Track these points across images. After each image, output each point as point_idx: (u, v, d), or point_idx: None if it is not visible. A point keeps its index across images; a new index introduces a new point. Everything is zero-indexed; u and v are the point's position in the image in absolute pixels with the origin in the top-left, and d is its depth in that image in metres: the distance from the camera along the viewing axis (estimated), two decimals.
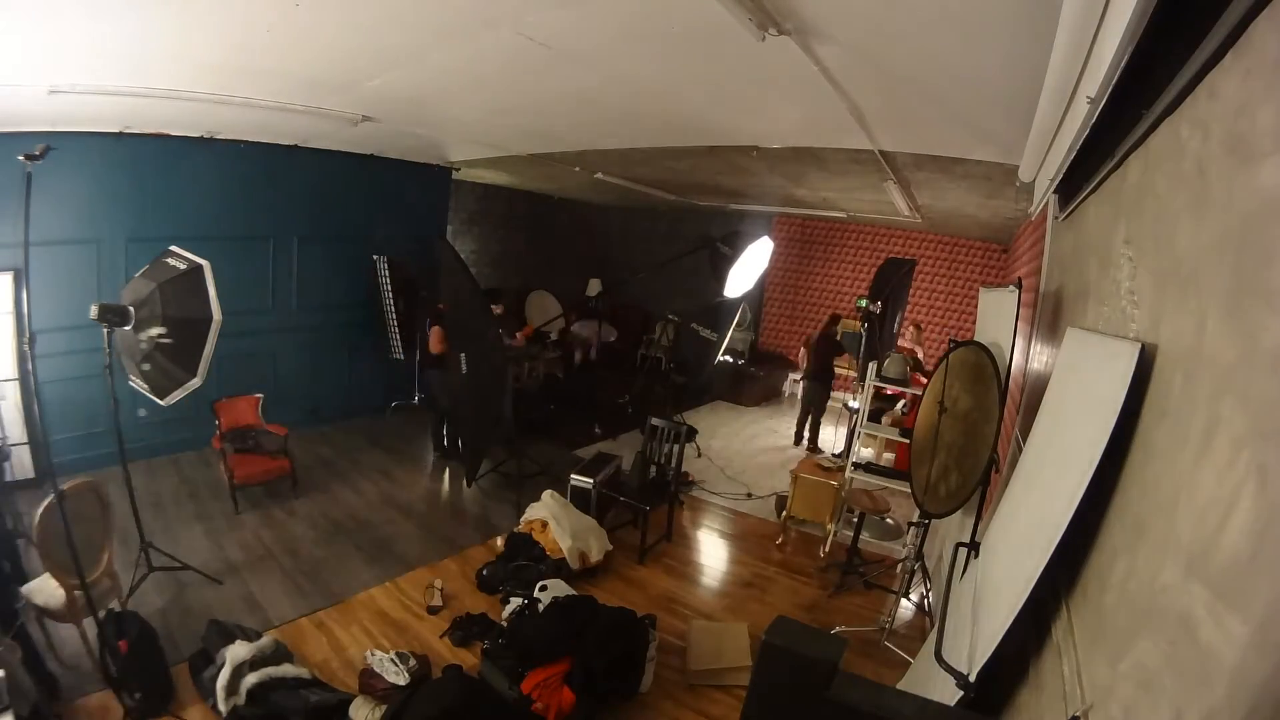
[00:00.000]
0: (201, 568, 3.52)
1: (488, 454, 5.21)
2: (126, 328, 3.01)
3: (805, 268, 9.16)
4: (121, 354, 3.20)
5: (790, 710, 0.91)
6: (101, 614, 2.64)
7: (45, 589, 2.81)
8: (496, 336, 4.67)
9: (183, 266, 3.28)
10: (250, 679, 2.51)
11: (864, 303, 5.47)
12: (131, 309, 3.02)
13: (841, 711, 0.87)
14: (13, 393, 4.27)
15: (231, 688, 2.48)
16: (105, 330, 2.96)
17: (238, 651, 2.58)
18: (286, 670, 2.62)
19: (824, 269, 9.03)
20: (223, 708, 2.47)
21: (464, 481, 5.22)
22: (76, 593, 2.65)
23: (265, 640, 2.72)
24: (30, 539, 3.06)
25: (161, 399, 3.16)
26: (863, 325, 5.48)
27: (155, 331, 3.06)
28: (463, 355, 4.66)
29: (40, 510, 2.58)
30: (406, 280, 6.32)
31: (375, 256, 6.23)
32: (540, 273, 9.22)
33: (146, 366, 3.11)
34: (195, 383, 3.20)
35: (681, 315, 7.19)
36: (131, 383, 3.27)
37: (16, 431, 4.25)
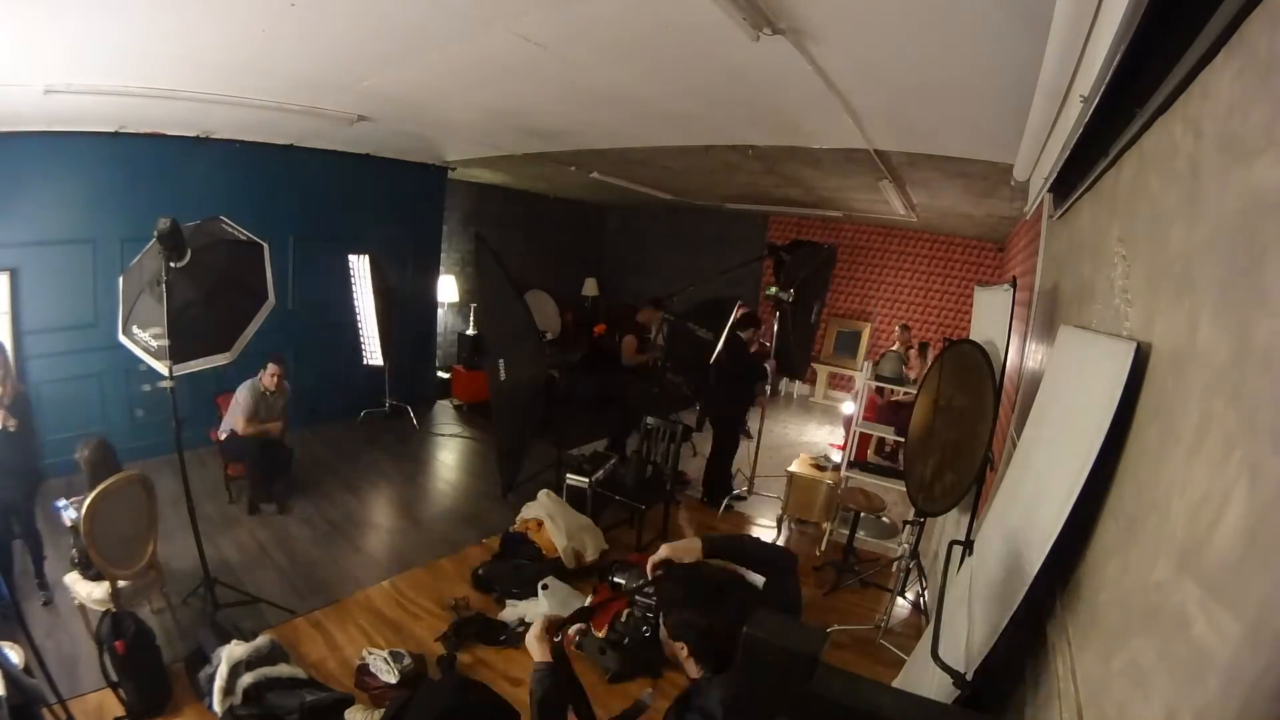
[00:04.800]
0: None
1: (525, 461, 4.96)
2: (181, 263, 2.63)
3: None
4: (130, 317, 2.78)
5: (772, 703, 0.91)
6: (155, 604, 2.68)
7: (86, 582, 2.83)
8: (538, 343, 4.53)
9: (242, 237, 3.00)
10: (246, 679, 2.50)
11: (774, 290, 4.57)
12: (189, 250, 2.66)
13: (823, 704, 0.87)
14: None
15: (228, 687, 2.47)
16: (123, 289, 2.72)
17: (234, 651, 2.57)
18: (283, 670, 2.62)
19: None
20: (218, 708, 2.46)
21: (501, 491, 4.94)
22: (120, 584, 2.70)
23: (262, 640, 2.71)
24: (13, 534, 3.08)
25: (174, 362, 2.67)
26: (774, 316, 4.78)
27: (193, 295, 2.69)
28: (501, 361, 4.61)
29: (88, 501, 2.58)
30: (385, 281, 6.21)
31: (352, 256, 6.10)
32: (537, 273, 9.20)
33: (160, 332, 2.65)
34: (222, 359, 2.86)
35: (675, 314, 7.15)
36: (123, 339, 2.82)
37: None
